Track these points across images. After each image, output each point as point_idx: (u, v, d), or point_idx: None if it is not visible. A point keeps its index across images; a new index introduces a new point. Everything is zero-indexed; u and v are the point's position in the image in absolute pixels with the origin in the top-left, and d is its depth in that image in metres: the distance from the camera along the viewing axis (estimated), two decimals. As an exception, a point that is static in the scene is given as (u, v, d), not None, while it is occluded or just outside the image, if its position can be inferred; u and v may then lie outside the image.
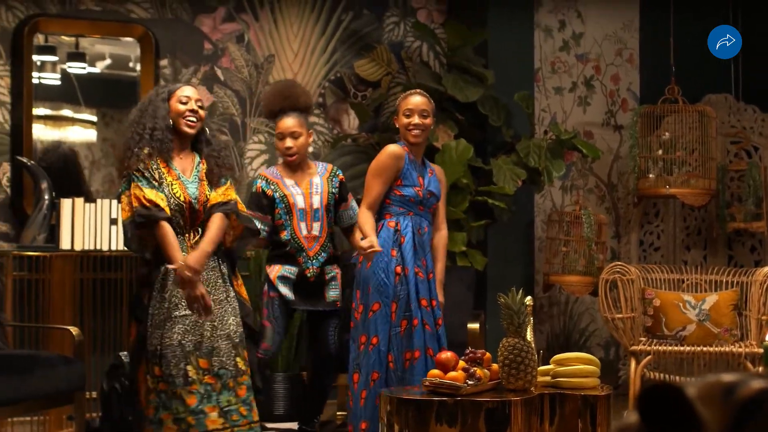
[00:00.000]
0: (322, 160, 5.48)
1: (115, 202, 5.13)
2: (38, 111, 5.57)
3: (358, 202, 4.58)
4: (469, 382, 3.62)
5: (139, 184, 3.89)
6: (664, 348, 5.15)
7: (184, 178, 4.00)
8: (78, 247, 5.18)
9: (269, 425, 5.06)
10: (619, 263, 5.43)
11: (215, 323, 3.94)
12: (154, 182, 3.90)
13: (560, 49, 6.56)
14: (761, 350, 5.04)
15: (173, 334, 3.87)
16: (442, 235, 4.61)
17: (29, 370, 4.03)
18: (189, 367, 3.85)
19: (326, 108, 6.16)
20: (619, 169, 6.70)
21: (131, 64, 5.87)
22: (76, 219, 5.20)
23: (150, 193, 3.87)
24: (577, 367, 3.83)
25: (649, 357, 5.14)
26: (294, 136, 4.65)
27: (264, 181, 4.68)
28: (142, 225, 3.88)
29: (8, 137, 5.46)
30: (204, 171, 4.06)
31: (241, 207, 4.15)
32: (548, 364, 3.93)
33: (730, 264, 6.39)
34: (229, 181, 4.12)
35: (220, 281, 4.03)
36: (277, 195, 4.63)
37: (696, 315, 5.25)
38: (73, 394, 4.22)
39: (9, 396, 3.91)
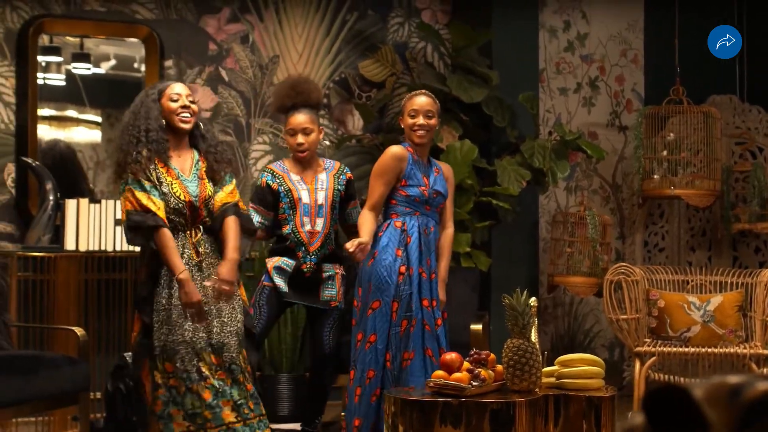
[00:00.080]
0: (327, 161, 5.47)
1: (119, 202, 5.14)
2: (43, 112, 5.58)
3: (362, 204, 4.58)
4: (474, 383, 3.62)
5: (133, 187, 3.90)
6: (669, 349, 5.15)
7: (183, 177, 4.01)
8: (83, 248, 5.19)
9: (273, 426, 5.06)
10: (624, 264, 5.42)
11: (224, 319, 3.97)
12: (150, 186, 3.91)
13: (565, 50, 6.55)
14: (766, 351, 5.03)
15: (184, 331, 3.89)
16: (448, 233, 4.60)
17: (34, 371, 4.04)
18: (201, 364, 3.89)
19: (331, 109, 6.16)
20: (623, 170, 6.69)
21: (136, 65, 5.87)
22: (81, 219, 5.20)
23: (143, 198, 3.88)
24: (582, 368, 3.83)
25: (653, 358, 5.13)
26: (306, 132, 4.63)
27: (270, 175, 4.67)
28: (134, 229, 3.90)
29: (13, 138, 5.46)
30: (203, 169, 4.07)
31: (241, 205, 4.17)
32: (553, 365, 3.93)
33: (735, 265, 6.39)
34: (234, 179, 4.15)
35: None
36: (282, 189, 4.62)
37: (701, 316, 5.24)
38: (78, 395, 4.23)
39: (14, 396, 3.91)
